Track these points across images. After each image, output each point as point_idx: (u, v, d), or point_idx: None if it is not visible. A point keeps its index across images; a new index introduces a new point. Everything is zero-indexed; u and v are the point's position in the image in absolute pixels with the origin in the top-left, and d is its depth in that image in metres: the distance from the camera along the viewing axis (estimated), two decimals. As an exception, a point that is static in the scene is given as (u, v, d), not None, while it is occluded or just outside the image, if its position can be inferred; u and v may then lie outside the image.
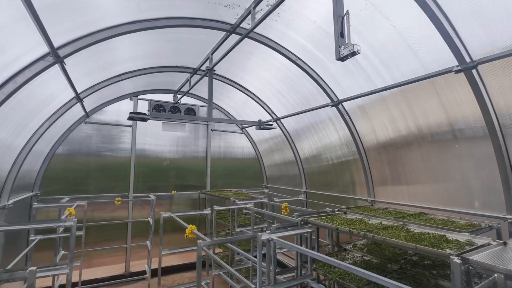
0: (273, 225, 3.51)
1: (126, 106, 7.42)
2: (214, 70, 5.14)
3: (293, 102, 6.26)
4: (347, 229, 3.22)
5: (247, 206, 5.41)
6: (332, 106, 5.22)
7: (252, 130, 8.88)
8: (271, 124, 5.57)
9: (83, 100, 5.20)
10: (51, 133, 5.85)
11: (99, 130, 7.09)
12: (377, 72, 4.25)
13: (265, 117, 7.59)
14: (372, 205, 5.12)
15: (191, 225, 3.49)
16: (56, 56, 3.08)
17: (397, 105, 4.42)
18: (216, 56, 5.00)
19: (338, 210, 4.48)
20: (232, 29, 4.26)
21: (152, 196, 6.37)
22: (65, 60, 3.25)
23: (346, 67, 4.52)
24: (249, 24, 4.31)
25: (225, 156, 8.78)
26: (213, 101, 8.59)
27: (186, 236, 3.43)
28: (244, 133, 9.06)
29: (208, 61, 5.21)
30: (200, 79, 5.76)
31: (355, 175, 5.74)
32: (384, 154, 5.03)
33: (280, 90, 6.22)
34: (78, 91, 4.81)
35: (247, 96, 7.16)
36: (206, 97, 8.65)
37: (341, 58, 2.12)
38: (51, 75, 3.80)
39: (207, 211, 4.70)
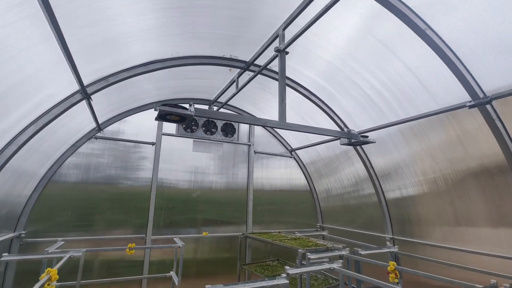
0: None
1: (149, 120, 5.74)
2: (287, 53, 3.39)
3: (376, 98, 4.34)
4: None
5: (334, 267, 3.32)
6: (471, 107, 3.27)
7: (304, 153, 6.95)
8: (366, 137, 3.65)
9: (91, 97, 3.50)
10: (46, 148, 4.16)
11: (113, 149, 5.37)
12: None
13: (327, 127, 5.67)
14: None
15: None
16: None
17: None
18: (291, 33, 3.28)
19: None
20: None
21: (179, 242, 4.40)
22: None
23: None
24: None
25: (270, 187, 6.79)
26: (245, 109, 6.82)
27: None
28: (294, 157, 7.13)
29: (277, 40, 3.48)
30: (263, 68, 3.99)
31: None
32: None
33: (351, 77, 4.30)
34: (83, 82, 3.12)
35: (302, 97, 5.21)
36: (247, 110, 6.96)
37: None
38: (28, 38, 2.12)
39: (282, 279, 2.67)
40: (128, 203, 5.32)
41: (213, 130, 6.26)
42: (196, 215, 5.85)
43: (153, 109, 5.67)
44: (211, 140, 6.21)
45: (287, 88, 5.17)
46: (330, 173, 6.49)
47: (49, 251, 3.73)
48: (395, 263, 3.47)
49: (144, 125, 5.70)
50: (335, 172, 6.34)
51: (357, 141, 3.64)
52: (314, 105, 5.20)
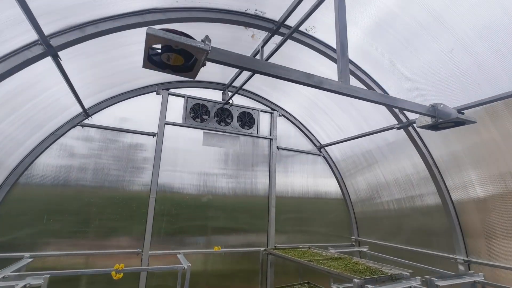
0: None
1: (149, 106, 4.65)
2: (346, -16, 2.25)
3: (461, 60, 3.14)
4: None
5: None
6: None
7: (336, 150, 5.74)
8: (462, 113, 2.47)
9: (59, 56, 2.42)
10: (6, 129, 3.09)
11: (104, 142, 4.29)
12: None
13: (375, 121, 4.49)
14: None
15: None
16: None
17: None
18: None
19: None
20: None
21: (184, 262, 3.24)
22: None
23: None
24: None
25: (294, 192, 5.57)
26: (264, 96, 5.41)
27: None
28: (323, 155, 5.92)
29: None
30: (301, 22, 2.88)
31: None
32: None
33: (424, 26, 3.13)
34: (41, 27, 2.04)
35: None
36: (267, 95, 5.78)
37: None
38: None
39: None
40: (121, 209, 4.20)
41: (228, 120, 5.13)
42: (205, 225, 4.69)
43: (155, 92, 4.62)
44: (225, 132, 5.08)
45: (317, 58, 3.98)
46: (368, 172, 5.26)
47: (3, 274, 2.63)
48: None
49: (143, 112, 4.60)
50: (375, 170, 5.11)
51: (447, 120, 2.43)
52: (356, 81, 4.01)
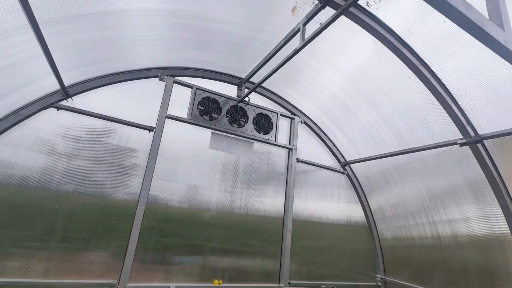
0: None
1: (147, 93, 3.72)
2: None
3: None
4: None
5: None
6: None
7: (362, 167, 4.87)
8: None
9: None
10: None
11: (84, 133, 3.29)
12: None
13: (425, 128, 3.67)
14: None
15: None
16: None
17: None
18: None
19: None
20: None
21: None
22: None
23: None
24: None
25: (309, 215, 4.59)
26: (281, 95, 4.58)
27: None
28: (347, 173, 5.02)
29: None
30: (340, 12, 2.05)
31: None
32: None
33: None
34: None
35: (380, 49, 3.26)
36: (288, 99, 4.90)
37: None
38: None
39: None
40: (96, 220, 3.14)
41: (242, 121, 4.23)
42: (204, 249, 3.63)
43: (158, 77, 3.68)
44: (237, 135, 4.15)
45: (377, 50, 3.20)
46: (401, 190, 4.39)
47: None
48: None
49: (141, 101, 3.67)
50: (410, 188, 4.24)
51: None
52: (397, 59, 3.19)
